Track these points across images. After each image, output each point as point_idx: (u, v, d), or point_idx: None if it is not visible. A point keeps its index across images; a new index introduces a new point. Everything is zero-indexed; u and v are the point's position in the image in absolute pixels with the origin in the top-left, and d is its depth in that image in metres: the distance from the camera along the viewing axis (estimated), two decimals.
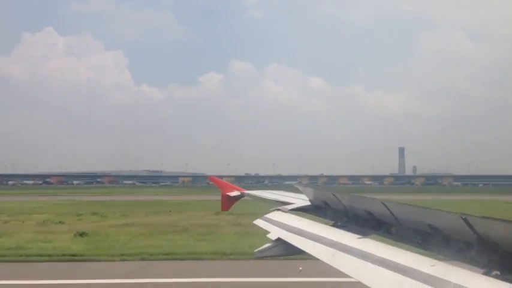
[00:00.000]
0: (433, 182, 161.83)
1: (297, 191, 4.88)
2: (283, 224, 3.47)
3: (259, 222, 3.89)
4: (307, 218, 3.57)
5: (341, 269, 2.21)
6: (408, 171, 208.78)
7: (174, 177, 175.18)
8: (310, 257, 2.63)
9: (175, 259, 12.51)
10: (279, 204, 4.47)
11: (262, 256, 3.27)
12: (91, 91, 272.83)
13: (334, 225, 3.24)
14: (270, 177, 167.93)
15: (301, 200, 4.47)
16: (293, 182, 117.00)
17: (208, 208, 26.85)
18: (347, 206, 3.25)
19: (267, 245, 3.30)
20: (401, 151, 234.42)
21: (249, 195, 6.26)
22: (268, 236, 3.38)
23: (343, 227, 3.14)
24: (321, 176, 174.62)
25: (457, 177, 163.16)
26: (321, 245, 2.63)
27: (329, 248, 2.52)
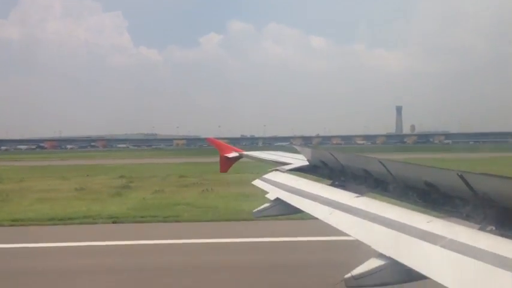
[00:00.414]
0: (424, 140, 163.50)
1: (295, 151, 4.92)
2: (281, 184, 3.50)
3: (257, 182, 3.93)
4: (305, 178, 3.61)
5: (338, 227, 2.24)
6: (407, 130, 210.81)
7: (168, 140, 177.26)
8: (309, 216, 2.69)
9: None
10: (277, 165, 4.51)
11: (261, 216, 3.35)
12: (89, 53, 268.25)
13: (331, 185, 3.28)
14: (264, 139, 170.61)
15: (299, 160, 4.50)
16: (284, 143, 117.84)
17: (135, 172, 28.43)
18: (344, 165, 3.28)
19: (265, 205, 3.34)
20: (399, 110, 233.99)
21: (247, 156, 6.31)
22: (266, 196, 3.43)
23: (340, 186, 3.18)
24: (316, 136, 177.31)
25: (452, 135, 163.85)
26: (319, 204, 2.66)
27: (327, 207, 2.55)
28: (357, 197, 2.57)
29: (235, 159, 6.48)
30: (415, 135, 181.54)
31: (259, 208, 3.35)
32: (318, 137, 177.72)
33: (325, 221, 2.39)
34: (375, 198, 2.60)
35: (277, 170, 4.16)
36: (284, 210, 3.16)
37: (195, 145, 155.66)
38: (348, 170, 3.27)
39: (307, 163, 4.13)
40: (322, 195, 2.79)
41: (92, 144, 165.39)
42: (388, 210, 2.18)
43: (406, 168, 2.53)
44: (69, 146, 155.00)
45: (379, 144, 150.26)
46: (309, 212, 2.67)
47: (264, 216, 3.34)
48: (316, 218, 2.51)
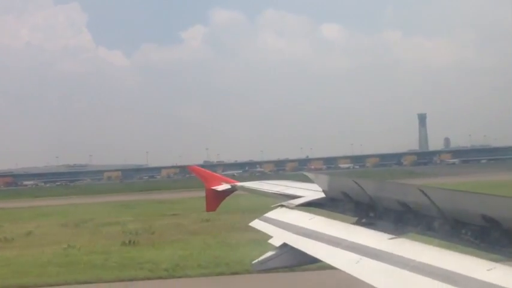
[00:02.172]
0: (426, 160, 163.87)
1: (307, 179, 4.97)
2: (289, 225, 3.51)
3: (257, 223, 3.98)
4: (322, 215, 3.66)
5: (369, 281, 2.29)
6: (440, 145, 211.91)
7: (100, 172, 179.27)
8: (328, 267, 2.79)
9: None
10: (283, 199, 4.60)
11: (263, 269, 3.40)
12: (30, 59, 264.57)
13: (357, 223, 3.35)
14: (225, 165, 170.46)
15: (312, 191, 4.54)
16: (234, 172, 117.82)
17: None
18: (374, 196, 3.28)
19: (269, 253, 3.33)
20: (422, 119, 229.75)
21: (242, 187, 6.38)
22: (270, 241, 3.50)
23: (369, 224, 3.24)
24: (289, 160, 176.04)
25: (492, 151, 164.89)
26: (342, 250, 2.72)
27: (352, 254, 2.61)
28: (392, 238, 2.62)
29: (227, 192, 6.53)
30: (411, 153, 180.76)
31: (260, 258, 3.39)
32: (290, 160, 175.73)
33: (350, 272, 2.48)
34: (415, 240, 2.70)
35: (283, 205, 4.19)
36: (294, 260, 3.21)
37: (132, 178, 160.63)
38: (378, 203, 3.28)
39: (323, 195, 4.15)
40: (345, 237, 2.83)
41: None
42: (434, 255, 2.20)
43: (456, 198, 2.54)
44: None
45: (369, 167, 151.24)
46: (328, 262, 2.75)
47: (268, 269, 3.41)
48: (338, 269, 2.63)
